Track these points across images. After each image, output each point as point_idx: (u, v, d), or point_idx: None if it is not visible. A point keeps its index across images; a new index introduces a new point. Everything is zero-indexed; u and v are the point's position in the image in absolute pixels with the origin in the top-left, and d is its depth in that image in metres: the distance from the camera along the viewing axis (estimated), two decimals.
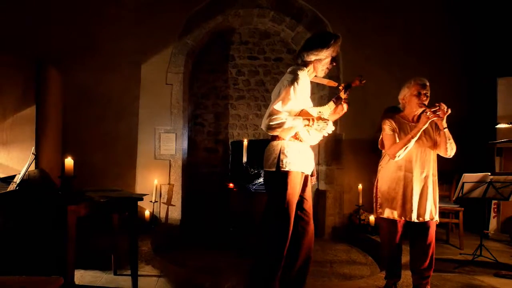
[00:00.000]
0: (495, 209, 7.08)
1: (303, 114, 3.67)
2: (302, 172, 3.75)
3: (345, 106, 3.95)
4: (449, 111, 4.03)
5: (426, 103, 4.18)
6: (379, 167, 4.57)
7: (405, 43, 7.79)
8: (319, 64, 3.83)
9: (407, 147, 4.13)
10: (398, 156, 4.20)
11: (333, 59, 3.89)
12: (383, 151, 4.48)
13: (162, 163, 7.50)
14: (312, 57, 3.79)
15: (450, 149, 4.16)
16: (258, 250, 3.72)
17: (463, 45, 7.95)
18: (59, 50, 7.15)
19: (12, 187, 3.96)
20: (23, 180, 3.93)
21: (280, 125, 3.46)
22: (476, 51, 7.95)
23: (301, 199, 3.82)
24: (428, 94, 4.23)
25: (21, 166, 4.45)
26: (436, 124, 4.22)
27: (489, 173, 5.47)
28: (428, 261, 4.23)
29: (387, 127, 4.35)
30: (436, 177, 4.31)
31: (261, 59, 8.86)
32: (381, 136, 4.47)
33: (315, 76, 3.95)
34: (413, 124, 4.26)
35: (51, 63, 5.82)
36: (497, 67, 7.55)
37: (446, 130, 4.11)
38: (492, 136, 7.12)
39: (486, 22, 7.95)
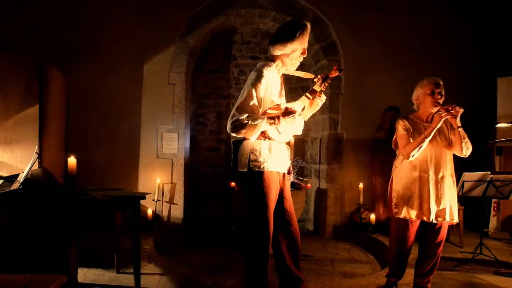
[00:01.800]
0: (495, 208, 7.10)
1: (269, 112, 3.55)
2: (277, 172, 3.66)
3: (320, 100, 3.80)
4: (462, 110, 3.99)
5: (440, 101, 4.14)
6: (394, 167, 4.50)
7: (406, 43, 7.82)
8: (287, 58, 3.63)
9: (421, 147, 4.08)
10: (412, 156, 4.15)
11: (302, 52, 3.63)
12: (397, 151, 4.44)
13: (164, 162, 7.53)
14: (277, 52, 3.60)
15: (465, 149, 4.11)
16: (244, 250, 3.71)
17: (463, 45, 7.97)
18: (62, 50, 7.17)
19: (15, 186, 3.98)
20: (26, 179, 3.94)
21: (242, 127, 3.37)
22: (477, 51, 7.99)
23: (280, 198, 3.71)
24: (443, 93, 4.19)
25: (25, 165, 4.49)
26: (451, 124, 4.16)
27: (489, 172, 5.51)
28: (434, 262, 4.24)
29: (401, 127, 4.31)
30: (454, 178, 4.24)
31: (263, 59, 8.83)
32: (394, 136, 4.42)
33: (293, 70, 3.79)
34: (427, 124, 4.20)
35: (54, 63, 5.85)
36: (497, 67, 7.59)
37: (461, 129, 4.06)
38: (492, 135, 7.18)
39: (486, 22, 7.98)
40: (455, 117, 4.01)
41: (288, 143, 3.87)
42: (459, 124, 4.05)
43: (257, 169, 3.51)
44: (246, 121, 3.36)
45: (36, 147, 4.83)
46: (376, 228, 6.98)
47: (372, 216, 7.07)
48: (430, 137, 4.06)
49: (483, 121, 7.30)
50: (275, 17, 7.91)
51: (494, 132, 7.18)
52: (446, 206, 4.11)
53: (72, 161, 4.06)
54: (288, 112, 3.45)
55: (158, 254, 5.76)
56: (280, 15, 7.77)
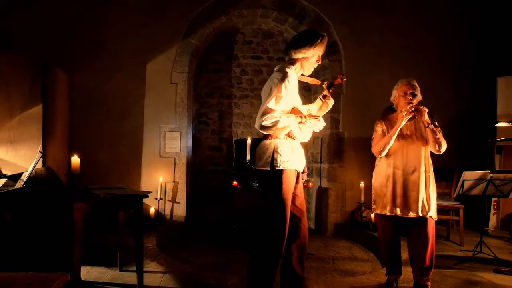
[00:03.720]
0: (495, 206, 7.13)
1: (294, 111, 3.69)
2: (296, 170, 3.78)
3: (330, 103, 4.02)
4: (426, 110, 4.15)
5: (413, 102, 4.27)
6: (375, 166, 4.69)
7: (407, 43, 7.84)
8: (306, 62, 3.84)
9: (386, 145, 4.29)
10: (380, 153, 4.39)
11: (319, 58, 3.88)
12: None
13: (167, 161, 7.57)
14: (299, 55, 3.79)
15: (438, 145, 4.23)
16: (255, 249, 3.74)
17: (463, 45, 8.00)
18: (66, 50, 7.24)
19: (19, 184, 3.99)
20: (30, 178, 3.96)
21: (274, 124, 3.46)
22: (476, 51, 8.02)
23: (293, 195, 3.81)
24: (416, 93, 4.31)
25: (28, 164, 4.52)
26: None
27: (489, 171, 5.52)
28: (428, 259, 4.26)
29: (378, 127, 4.53)
30: (430, 174, 4.33)
31: (265, 58, 8.94)
32: (372, 136, 4.60)
33: (301, 74, 3.97)
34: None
35: (58, 63, 5.89)
36: (497, 66, 7.61)
37: (431, 126, 4.18)
38: (492, 135, 7.18)
39: (486, 22, 8.01)
40: (414, 117, 4.24)
41: None
42: (429, 122, 4.18)
43: (280, 168, 3.63)
44: (278, 119, 3.48)
45: (40, 146, 4.85)
46: (376, 226, 7.01)
47: (373, 214, 7.08)
48: (395, 136, 4.26)
49: (483, 120, 7.34)
50: (277, 17, 7.95)
51: (494, 131, 7.19)
52: (418, 201, 4.23)
53: (75, 160, 4.09)
54: (315, 116, 3.70)
55: (160, 252, 5.79)
56: (282, 15, 7.82)
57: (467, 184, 5.54)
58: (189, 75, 7.72)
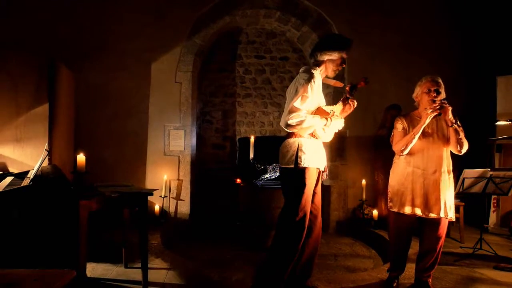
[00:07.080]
0: (495, 204, 7.17)
1: (319, 111, 3.80)
2: (317, 168, 3.89)
3: (352, 105, 4.10)
4: (450, 108, 4.03)
5: (436, 99, 4.15)
6: (393, 163, 4.58)
7: (407, 43, 7.89)
8: (332, 64, 3.94)
9: (409, 143, 4.18)
10: (402, 152, 4.26)
11: (343, 61, 3.99)
12: None
13: (171, 159, 7.64)
14: (325, 57, 3.91)
15: (459, 146, 4.12)
16: (274, 245, 3.82)
17: (463, 44, 8.05)
18: (72, 50, 7.29)
19: (26, 182, 4.03)
20: (36, 176, 4.02)
21: (299, 123, 3.59)
22: (476, 50, 8.06)
23: (312, 193, 3.92)
24: (440, 90, 4.22)
25: (35, 162, 4.57)
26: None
27: (489, 169, 5.53)
28: (434, 257, 4.29)
29: (399, 125, 4.40)
30: (451, 174, 4.27)
31: (268, 58, 8.99)
32: (393, 133, 4.49)
33: (326, 77, 4.07)
34: None
35: (64, 62, 5.94)
36: (497, 66, 7.65)
37: (455, 126, 4.08)
38: (492, 133, 7.24)
39: (486, 21, 8.04)
40: (439, 114, 4.11)
41: None
42: (453, 121, 4.08)
43: (304, 166, 3.73)
44: (303, 118, 3.61)
45: (46, 144, 4.90)
46: (378, 223, 7.05)
47: (375, 212, 7.14)
48: (418, 134, 4.15)
49: (483, 119, 7.36)
50: (280, 18, 8.02)
51: (494, 130, 7.25)
52: (440, 202, 4.14)
53: (81, 158, 4.13)
54: (338, 117, 3.91)
55: (165, 249, 5.83)
56: (284, 15, 7.88)
57: (467, 182, 5.57)
58: (194, 74, 7.77)
